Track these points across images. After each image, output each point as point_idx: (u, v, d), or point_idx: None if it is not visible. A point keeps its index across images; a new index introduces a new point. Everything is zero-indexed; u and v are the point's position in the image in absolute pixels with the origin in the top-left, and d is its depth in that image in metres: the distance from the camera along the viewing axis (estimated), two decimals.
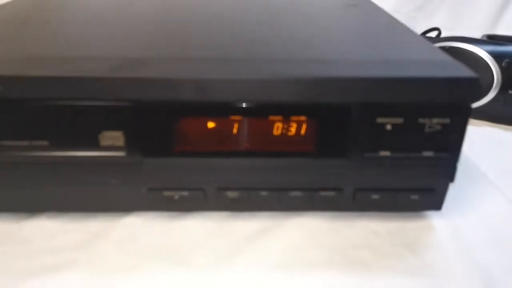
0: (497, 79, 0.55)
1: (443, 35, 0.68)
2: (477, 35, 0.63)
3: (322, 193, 0.36)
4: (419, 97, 0.32)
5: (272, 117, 0.33)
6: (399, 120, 0.33)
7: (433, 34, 0.69)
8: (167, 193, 0.36)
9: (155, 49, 0.38)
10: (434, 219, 0.39)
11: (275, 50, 0.38)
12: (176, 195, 0.36)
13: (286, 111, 0.33)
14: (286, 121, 0.33)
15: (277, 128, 0.34)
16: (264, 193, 0.36)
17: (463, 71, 0.33)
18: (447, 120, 0.33)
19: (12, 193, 0.36)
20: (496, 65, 0.55)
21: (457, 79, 0.32)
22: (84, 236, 0.36)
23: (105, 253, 0.35)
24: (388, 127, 0.33)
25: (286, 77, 0.32)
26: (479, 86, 0.32)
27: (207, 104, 0.32)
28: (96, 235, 0.36)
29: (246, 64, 0.34)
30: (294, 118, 0.33)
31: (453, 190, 0.37)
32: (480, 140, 0.53)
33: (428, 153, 0.34)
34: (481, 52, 0.56)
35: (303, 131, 0.34)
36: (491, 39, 0.59)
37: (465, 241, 0.37)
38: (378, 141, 0.34)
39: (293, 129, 0.34)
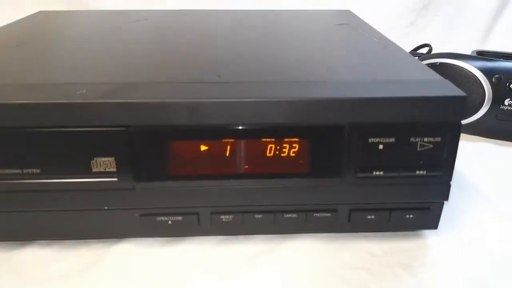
0: (488, 95, 0.56)
1: (434, 50, 0.68)
2: (468, 49, 0.64)
3: (317, 215, 0.36)
4: (410, 116, 0.33)
5: (265, 139, 0.33)
6: (391, 140, 0.33)
7: (424, 50, 0.70)
8: (160, 218, 0.36)
9: (146, 73, 0.38)
10: (430, 238, 0.39)
11: (267, 72, 0.38)
12: (170, 220, 0.36)
13: (279, 133, 0.33)
14: (280, 142, 0.33)
15: (271, 150, 0.34)
16: (258, 216, 0.36)
17: (452, 89, 0.34)
18: (438, 139, 0.33)
19: (3, 221, 0.35)
20: (487, 81, 0.56)
21: (446, 98, 0.33)
22: (77, 264, 0.36)
23: (98, 281, 0.34)
24: (380, 146, 0.33)
25: (279, 99, 0.32)
26: (466, 104, 0.33)
27: (199, 127, 0.32)
28: (89, 263, 0.36)
29: (238, 86, 0.34)
30: (287, 139, 0.33)
31: (448, 207, 0.37)
32: (474, 155, 0.53)
33: (421, 172, 0.34)
34: (471, 68, 0.57)
35: (296, 153, 0.34)
36: (481, 55, 0.60)
37: (461, 259, 0.36)
38: (371, 161, 0.34)
39: (286, 151, 0.34)
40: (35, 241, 0.38)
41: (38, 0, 0.80)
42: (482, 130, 0.58)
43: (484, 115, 0.56)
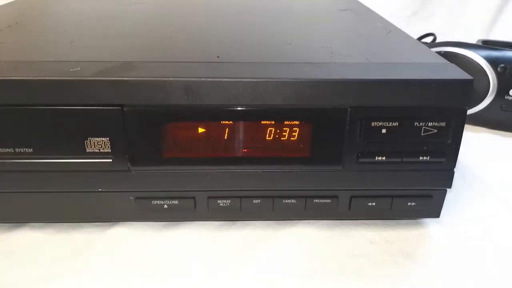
0: (493, 84, 0.55)
1: (438, 40, 0.67)
2: (472, 40, 0.63)
3: (317, 201, 0.35)
4: (414, 100, 0.32)
5: (264, 121, 0.32)
6: (395, 124, 0.32)
7: (429, 39, 0.69)
8: (155, 202, 0.35)
9: (143, 53, 0.37)
10: (431, 226, 0.38)
11: (269, 53, 0.37)
12: (165, 204, 0.35)
13: (280, 115, 0.32)
14: (280, 125, 0.32)
15: (270, 133, 0.33)
16: (256, 201, 0.35)
17: (458, 73, 0.33)
18: (442, 123, 0.32)
19: None
20: (492, 70, 0.55)
21: (452, 81, 0.32)
22: (70, 247, 0.35)
23: (92, 265, 0.33)
24: (384, 131, 0.32)
25: (280, 79, 0.31)
26: (473, 88, 0.32)
27: (196, 107, 0.31)
28: (82, 246, 0.35)
29: (239, 66, 0.33)
30: (288, 122, 0.32)
31: (451, 197, 0.36)
32: (478, 146, 0.52)
33: (424, 158, 0.33)
34: (476, 57, 0.55)
35: (297, 136, 0.33)
36: (486, 44, 0.59)
37: (463, 249, 0.36)
38: (374, 145, 0.33)
39: (286, 134, 0.33)
40: (27, 223, 0.37)
41: None
42: (486, 121, 0.57)
43: (488, 105, 0.55)
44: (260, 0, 0.61)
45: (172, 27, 0.46)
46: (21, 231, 0.36)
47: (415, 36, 0.70)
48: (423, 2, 0.83)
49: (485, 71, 0.55)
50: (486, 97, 0.55)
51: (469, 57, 0.56)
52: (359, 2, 0.64)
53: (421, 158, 0.33)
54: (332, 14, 0.55)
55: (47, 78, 0.30)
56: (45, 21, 0.50)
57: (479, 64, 0.55)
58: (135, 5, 0.56)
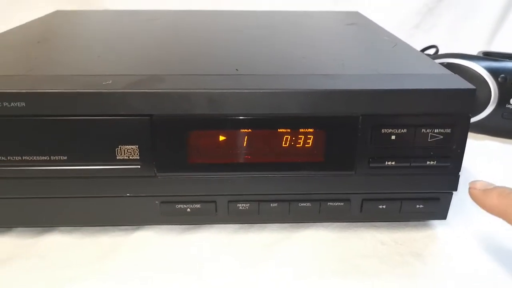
0: (494, 94, 0.57)
1: (440, 51, 0.70)
2: (473, 51, 0.65)
3: (331, 204, 0.37)
4: (421, 108, 0.34)
5: (281, 129, 0.35)
6: (403, 130, 0.34)
7: (431, 51, 0.71)
8: (179, 206, 0.37)
9: (168, 67, 0.39)
10: (438, 228, 0.40)
11: (283, 66, 0.40)
12: (188, 207, 0.37)
13: (295, 123, 0.34)
14: (295, 133, 0.35)
15: (286, 140, 0.35)
16: (274, 204, 0.37)
17: (461, 83, 0.35)
18: (448, 130, 0.35)
19: (29, 207, 0.37)
20: (493, 80, 0.57)
21: (456, 91, 0.34)
22: (97, 251, 0.37)
23: (117, 268, 0.35)
24: (393, 137, 0.35)
25: (295, 90, 0.33)
26: (475, 97, 0.34)
27: (218, 116, 0.34)
28: (109, 249, 0.37)
29: (256, 78, 0.35)
30: (303, 130, 0.35)
31: (457, 200, 0.38)
32: (480, 153, 0.54)
33: (431, 162, 0.36)
34: (478, 68, 0.58)
35: (311, 143, 0.35)
36: (487, 56, 0.61)
37: (469, 249, 0.38)
38: (384, 151, 0.35)
39: (301, 141, 0.35)
40: (56, 227, 0.39)
41: (50, 0, 0.81)
42: (488, 128, 0.59)
43: (490, 114, 0.58)
44: (269, 17, 0.64)
45: (191, 42, 0.49)
46: (51, 235, 0.38)
47: (418, 48, 0.73)
48: (424, 16, 0.86)
49: (486, 82, 0.57)
50: (488, 106, 0.58)
51: (471, 68, 0.58)
52: (363, 16, 0.66)
53: (428, 162, 0.35)
54: (340, 28, 0.58)
55: (82, 90, 0.32)
56: (70, 36, 0.53)
57: (480, 75, 0.57)
58: (150, 21, 0.59)
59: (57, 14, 0.65)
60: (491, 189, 0.32)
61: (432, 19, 0.86)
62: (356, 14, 0.67)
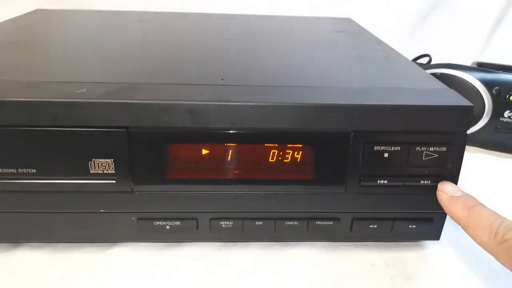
0: (488, 106, 0.56)
1: (433, 61, 0.69)
2: (466, 61, 0.64)
3: (319, 223, 0.35)
4: (416, 125, 0.32)
5: (268, 144, 0.33)
6: (397, 148, 0.33)
7: (424, 60, 0.70)
8: (158, 223, 0.35)
9: (147, 74, 0.37)
10: (431, 248, 0.38)
11: (271, 75, 0.38)
12: (168, 225, 0.35)
13: (283, 138, 0.32)
14: (283, 148, 0.33)
15: (273, 156, 0.33)
16: (259, 222, 0.35)
17: (458, 99, 0.33)
18: (443, 148, 0.33)
19: None
20: (487, 92, 0.56)
21: (453, 108, 0.32)
22: (69, 268, 0.35)
23: (90, 286, 0.33)
24: (386, 155, 0.33)
25: (284, 103, 0.31)
26: (472, 114, 0.33)
27: (200, 130, 0.32)
28: (82, 266, 0.35)
29: (242, 89, 0.33)
30: (291, 145, 0.33)
31: (450, 220, 0.37)
32: (473, 166, 0.53)
33: (425, 182, 0.34)
34: (472, 79, 0.56)
35: (299, 159, 0.33)
36: (481, 67, 0.60)
37: (463, 270, 0.36)
38: (376, 169, 0.33)
39: (289, 157, 0.33)
40: (26, 243, 0.37)
41: None
42: (482, 141, 0.58)
43: (483, 126, 0.56)
44: (258, 22, 0.62)
45: (174, 47, 0.47)
46: (20, 251, 0.36)
47: (410, 56, 0.72)
48: (417, 24, 0.85)
49: (480, 93, 0.56)
50: (482, 119, 0.56)
51: (465, 79, 0.57)
52: (354, 22, 0.65)
53: (422, 182, 0.34)
54: (331, 36, 0.56)
55: (53, 100, 0.30)
56: (46, 38, 0.50)
57: (474, 87, 0.56)
58: (136, 23, 0.57)
59: (36, 12, 0.62)
60: (457, 198, 0.32)
61: (425, 27, 0.85)
62: (349, 21, 0.66)
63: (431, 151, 0.33)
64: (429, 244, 0.39)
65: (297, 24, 0.62)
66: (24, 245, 0.37)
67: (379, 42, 0.52)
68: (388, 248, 0.38)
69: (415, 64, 0.45)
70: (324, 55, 0.46)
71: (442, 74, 0.58)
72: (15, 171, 0.32)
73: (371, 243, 0.38)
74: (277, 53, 0.46)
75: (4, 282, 0.33)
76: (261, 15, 0.68)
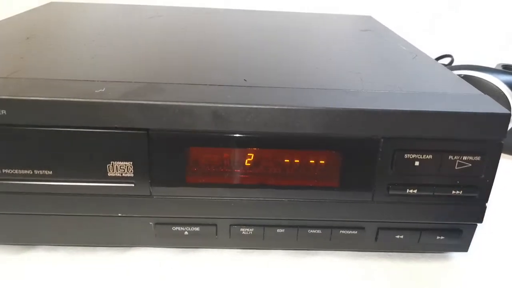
0: None
1: (455, 62, 0.66)
2: (489, 62, 0.62)
3: (343, 232, 0.34)
4: (449, 132, 0.31)
5: (293, 149, 0.31)
6: (428, 157, 0.31)
7: (446, 60, 0.68)
8: (176, 228, 0.34)
9: (168, 73, 0.35)
10: (458, 259, 0.37)
11: (296, 76, 0.36)
12: (186, 230, 0.34)
13: (309, 143, 0.31)
14: (308, 153, 0.31)
15: (298, 161, 0.32)
16: (280, 230, 0.34)
17: (494, 106, 0.32)
18: (477, 157, 0.31)
19: (11, 223, 0.33)
20: None
21: (489, 115, 0.30)
22: (83, 271, 0.33)
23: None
24: (417, 163, 0.31)
25: (312, 107, 0.30)
26: (509, 122, 0.31)
27: (223, 133, 0.30)
28: (96, 270, 0.34)
29: (267, 91, 0.32)
30: (317, 151, 0.31)
31: (479, 227, 0.35)
32: (499, 173, 0.51)
33: (457, 192, 0.32)
34: (497, 82, 0.54)
35: (325, 165, 0.32)
36: (507, 69, 0.58)
37: (490, 282, 0.34)
38: (405, 178, 0.32)
39: (315, 163, 0.32)
40: (41, 245, 0.36)
41: None
42: (508, 147, 0.56)
43: (509, 131, 0.54)
44: (280, 19, 0.61)
45: (194, 45, 0.45)
46: (34, 253, 0.35)
47: (431, 56, 0.70)
48: (433, 22, 0.83)
49: (506, 97, 0.54)
50: (509, 124, 0.54)
51: (490, 82, 0.55)
52: (377, 21, 0.63)
53: (453, 192, 0.32)
54: (353, 35, 0.54)
55: (71, 99, 0.29)
56: (63, 33, 0.49)
57: (500, 90, 0.54)
58: (153, 18, 0.55)
59: (51, 6, 0.61)
60: None
61: (445, 25, 0.83)
62: (370, 19, 0.64)
63: (464, 160, 0.31)
64: (456, 254, 0.37)
65: (317, 22, 0.60)
66: (38, 248, 0.36)
67: (403, 41, 0.51)
68: (412, 259, 0.36)
69: (444, 67, 0.43)
70: (351, 55, 0.45)
71: (465, 76, 0.56)
72: (31, 172, 0.31)
73: (395, 253, 0.37)
74: (301, 52, 0.44)
75: (19, 284, 0.32)
76: (283, 11, 0.66)
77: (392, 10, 0.83)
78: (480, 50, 0.80)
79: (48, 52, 0.40)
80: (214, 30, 0.53)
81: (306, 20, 0.60)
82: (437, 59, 0.69)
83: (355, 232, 0.34)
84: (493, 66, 0.59)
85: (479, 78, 0.56)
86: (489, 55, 0.78)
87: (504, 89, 0.54)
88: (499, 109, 0.31)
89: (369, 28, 0.56)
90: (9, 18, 0.51)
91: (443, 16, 0.84)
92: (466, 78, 0.56)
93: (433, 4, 0.83)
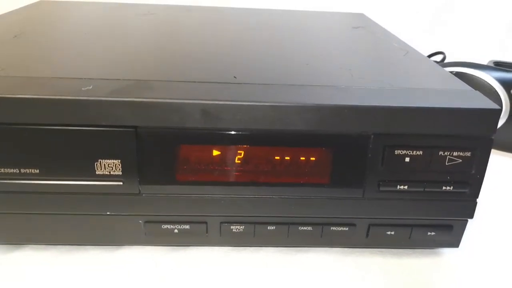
0: (506, 107, 0.54)
1: (447, 59, 0.66)
2: (482, 60, 0.62)
3: (334, 228, 0.34)
4: (440, 128, 0.30)
5: (282, 146, 0.31)
6: (419, 153, 0.31)
7: (438, 57, 0.68)
8: (165, 226, 0.33)
9: (157, 71, 0.35)
10: (448, 255, 0.37)
11: (286, 73, 0.36)
12: (176, 228, 0.33)
13: (299, 140, 0.31)
14: (298, 150, 0.31)
15: (288, 158, 0.31)
16: (271, 227, 0.34)
17: (484, 102, 0.32)
18: (468, 153, 0.31)
19: None
20: (505, 93, 0.54)
21: (479, 110, 0.30)
22: (72, 270, 0.33)
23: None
24: (407, 159, 0.31)
25: (302, 104, 0.29)
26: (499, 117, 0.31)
27: (213, 130, 0.30)
28: (85, 269, 0.33)
29: (257, 88, 0.32)
30: (307, 147, 0.31)
31: (469, 224, 0.35)
32: (490, 169, 0.51)
33: (447, 188, 0.32)
34: (489, 78, 0.55)
35: (316, 162, 0.31)
36: (498, 66, 0.58)
37: (481, 277, 0.34)
38: (396, 174, 0.32)
39: (305, 159, 0.31)
40: (29, 244, 0.35)
41: None
42: (499, 143, 0.56)
43: (501, 127, 0.55)
44: (269, 17, 0.61)
45: (184, 43, 0.45)
46: (23, 252, 0.35)
47: (423, 53, 0.70)
48: (430, 21, 0.83)
49: (497, 93, 0.54)
50: (499, 120, 0.54)
51: (481, 79, 0.55)
52: (369, 19, 0.63)
53: (444, 188, 0.32)
54: (345, 32, 0.54)
55: (57, 97, 0.28)
56: (51, 31, 0.48)
57: (492, 86, 0.54)
58: (144, 16, 0.55)
59: (40, 4, 0.60)
60: None
61: (439, 23, 0.83)
62: (361, 16, 0.64)
63: (454, 156, 0.31)
64: (446, 250, 0.37)
65: (309, 19, 0.60)
66: (27, 247, 0.35)
67: (395, 38, 0.51)
68: (403, 255, 0.36)
69: (436, 63, 0.43)
70: (342, 52, 0.44)
71: (458, 73, 0.56)
72: (17, 171, 0.30)
73: (386, 249, 0.37)
74: (292, 49, 0.44)
75: (7, 284, 0.32)
76: (274, 9, 0.66)
77: (385, 8, 0.83)
78: (472, 47, 0.80)
79: (35, 50, 0.39)
80: (205, 28, 0.52)
81: (297, 18, 0.60)
82: (429, 56, 0.69)
83: (346, 228, 0.34)
84: (484, 63, 0.59)
85: (471, 74, 0.56)
86: (480, 52, 0.79)
87: (496, 85, 0.54)
88: (489, 104, 0.31)
89: (361, 25, 0.56)
90: None
91: (436, 14, 0.84)
92: (458, 75, 0.56)
93: (426, 2, 0.83)
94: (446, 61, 0.65)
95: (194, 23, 0.54)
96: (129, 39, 0.45)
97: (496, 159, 0.55)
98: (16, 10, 0.55)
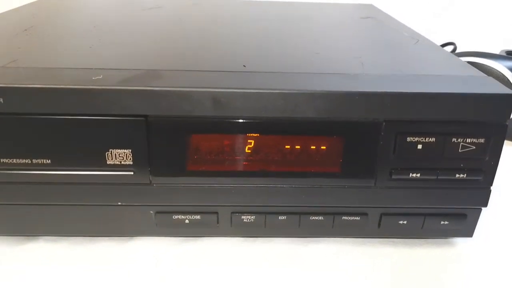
0: None
1: (458, 49, 0.66)
2: (493, 50, 0.61)
3: (345, 218, 0.34)
4: (453, 114, 0.30)
5: (294, 135, 0.31)
6: (431, 139, 0.30)
7: (449, 48, 0.67)
8: (177, 217, 0.33)
9: (167, 60, 0.35)
10: (461, 245, 0.36)
11: (296, 62, 0.36)
12: (187, 219, 0.33)
13: (310, 128, 0.30)
14: (309, 139, 0.31)
15: (300, 146, 0.31)
16: (282, 217, 0.33)
17: (498, 87, 0.31)
18: (481, 140, 0.31)
19: (10, 214, 0.33)
20: None
21: (493, 96, 0.30)
22: (85, 262, 0.33)
23: (105, 281, 0.32)
24: (419, 146, 0.31)
25: (311, 91, 0.29)
26: None
27: (223, 119, 0.30)
28: (97, 261, 0.33)
29: (267, 76, 0.31)
30: (318, 135, 0.31)
31: (483, 215, 0.35)
32: (503, 161, 0.50)
33: (461, 175, 0.32)
34: (501, 68, 0.54)
35: (327, 150, 0.31)
36: (510, 55, 0.57)
37: (497, 270, 0.34)
38: (408, 161, 0.31)
39: (316, 148, 0.31)
40: (41, 236, 0.35)
41: None
42: (510, 133, 0.55)
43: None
44: (280, 7, 0.60)
45: (193, 33, 0.45)
46: (35, 244, 0.35)
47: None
48: (441, 12, 0.82)
49: (510, 82, 0.53)
50: None
51: (493, 68, 0.54)
52: (378, 9, 0.62)
53: (457, 175, 0.32)
54: (354, 22, 0.53)
55: (68, 86, 0.28)
56: (61, 24, 0.48)
57: (504, 76, 0.53)
58: (152, 9, 0.55)
59: None
60: None
61: (449, 14, 0.82)
62: (371, 7, 0.63)
63: (468, 143, 0.31)
64: (460, 240, 0.37)
65: (318, 10, 0.59)
66: (39, 238, 0.35)
67: (405, 27, 0.50)
68: (415, 245, 0.36)
69: (447, 51, 0.42)
70: (352, 41, 0.44)
71: (469, 62, 0.56)
72: (29, 161, 0.30)
73: (398, 239, 0.36)
74: (301, 39, 0.44)
75: (19, 275, 0.32)
76: (281, 1, 0.65)
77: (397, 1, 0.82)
78: (483, 37, 0.79)
79: (46, 43, 0.39)
80: (213, 19, 0.52)
81: (306, 9, 0.60)
82: (441, 46, 0.68)
83: (358, 218, 0.34)
84: (496, 52, 0.58)
85: (483, 64, 0.55)
86: (492, 42, 0.78)
87: (508, 74, 0.54)
88: (503, 89, 0.30)
89: (371, 15, 0.56)
90: (6, 12, 0.51)
91: (446, 5, 0.83)
92: (470, 64, 0.55)
93: None
94: (457, 51, 0.65)
95: (203, 14, 0.54)
96: (138, 31, 0.45)
97: (509, 150, 0.54)
98: (25, 5, 0.56)
